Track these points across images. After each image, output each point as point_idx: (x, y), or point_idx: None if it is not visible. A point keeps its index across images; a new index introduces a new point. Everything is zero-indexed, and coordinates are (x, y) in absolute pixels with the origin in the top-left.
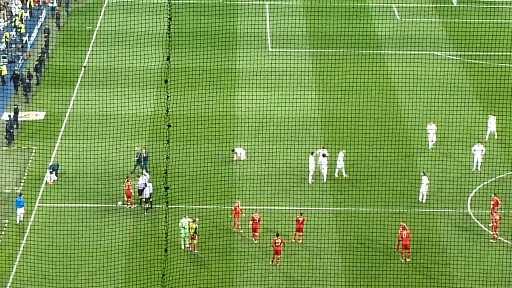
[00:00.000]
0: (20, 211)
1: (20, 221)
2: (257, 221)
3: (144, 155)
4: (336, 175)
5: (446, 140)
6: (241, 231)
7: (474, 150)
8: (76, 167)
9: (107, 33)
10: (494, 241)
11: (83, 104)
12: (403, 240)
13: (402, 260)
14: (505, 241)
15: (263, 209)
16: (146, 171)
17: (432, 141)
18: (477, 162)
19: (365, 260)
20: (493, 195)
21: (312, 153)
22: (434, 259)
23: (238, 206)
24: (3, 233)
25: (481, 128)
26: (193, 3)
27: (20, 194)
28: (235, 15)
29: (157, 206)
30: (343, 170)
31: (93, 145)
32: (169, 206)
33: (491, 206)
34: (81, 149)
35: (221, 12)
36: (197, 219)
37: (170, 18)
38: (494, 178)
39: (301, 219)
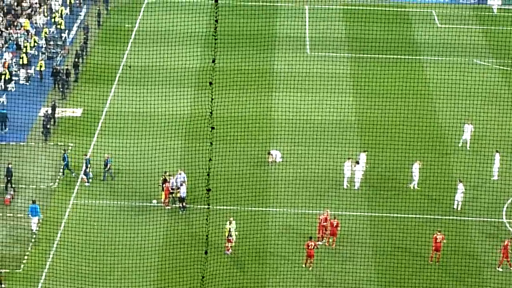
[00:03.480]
0: (35, 220)
1: (36, 229)
2: (335, 226)
3: (106, 162)
4: (411, 186)
5: (483, 148)
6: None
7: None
8: (113, 165)
9: (146, 31)
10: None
11: (120, 102)
12: (436, 243)
13: (431, 262)
14: None
15: (296, 212)
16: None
17: (465, 140)
18: (467, 140)
19: (398, 267)
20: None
21: (349, 158)
22: (467, 267)
23: (328, 216)
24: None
25: None
26: (234, 4)
27: (34, 202)
28: (275, 17)
29: (192, 206)
30: (416, 183)
31: (130, 143)
32: (206, 207)
33: (502, 248)
34: (118, 147)
35: (261, 14)
36: (233, 220)
37: (216, 20)
38: None
39: (335, 223)
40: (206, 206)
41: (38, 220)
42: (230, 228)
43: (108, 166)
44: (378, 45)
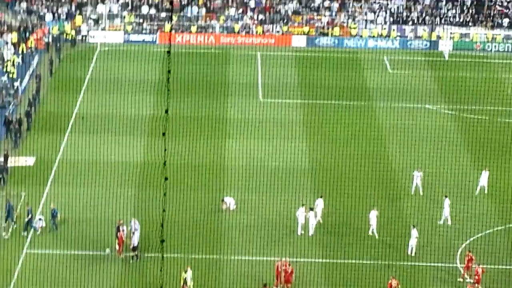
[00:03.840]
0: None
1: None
2: (289, 273)
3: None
4: (370, 233)
5: (435, 193)
6: None
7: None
8: (65, 214)
9: (98, 80)
10: None
11: (73, 150)
12: None
13: None
14: None
15: (251, 259)
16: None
17: (417, 186)
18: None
19: None
20: (467, 251)
21: (303, 204)
22: None
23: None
24: None
25: (472, 181)
26: (185, 52)
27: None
28: (228, 65)
29: (146, 255)
30: (374, 229)
31: (83, 191)
32: (157, 254)
33: (466, 262)
34: (71, 196)
35: (213, 61)
36: (189, 269)
37: (169, 71)
38: (483, 233)
39: (289, 269)
40: (160, 256)
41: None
42: (185, 277)
43: (56, 216)
44: (330, 91)
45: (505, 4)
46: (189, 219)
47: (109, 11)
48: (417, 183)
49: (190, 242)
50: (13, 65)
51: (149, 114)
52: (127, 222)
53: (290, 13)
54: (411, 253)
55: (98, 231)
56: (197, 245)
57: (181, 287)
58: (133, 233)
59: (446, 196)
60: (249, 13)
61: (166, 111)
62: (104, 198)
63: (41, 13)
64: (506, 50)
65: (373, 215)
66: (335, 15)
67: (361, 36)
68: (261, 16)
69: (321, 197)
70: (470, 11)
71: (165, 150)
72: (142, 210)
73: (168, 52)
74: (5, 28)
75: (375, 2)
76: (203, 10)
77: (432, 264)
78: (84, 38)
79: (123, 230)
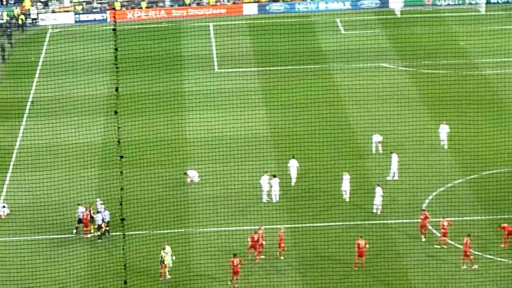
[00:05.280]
0: None
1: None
2: (256, 240)
3: None
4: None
5: (398, 151)
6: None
7: (440, 129)
8: (28, 199)
9: (51, 63)
10: (439, 247)
11: (32, 135)
12: (359, 249)
13: (355, 268)
14: (457, 245)
15: (218, 230)
16: None
17: (377, 145)
18: (444, 140)
19: (324, 275)
20: (421, 210)
21: (266, 171)
22: (392, 270)
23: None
24: None
25: (432, 136)
26: (137, 28)
27: None
28: (180, 38)
29: (114, 234)
30: (347, 194)
31: (45, 176)
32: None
33: (421, 220)
34: (33, 181)
35: (165, 36)
36: (167, 246)
37: (116, 49)
38: (446, 186)
39: (256, 237)
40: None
41: None
42: (163, 254)
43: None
44: (285, 57)
45: None
46: (153, 195)
47: None
48: (376, 142)
49: (157, 217)
50: None
51: (105, 93)
52: (90, 204)
53: None
54: (377, 211)
55: (63, 214)
56: (164, 220)
57: (160, 265)
58: (98, 212)
59: (392, 152)
60: None
61: (117, 89)
62: (67, 180)
63: None
64: (456, 3)
65: (346, 179)
66: None
67: (312, 0)
68: None
69: (293, 157)
70: None
71: (118, 128)
72: (107, 190)
73: (114, 29)
74: None
75: None
76: None
77: (398, 221)
78: (34, 21)
79: (88, 211)
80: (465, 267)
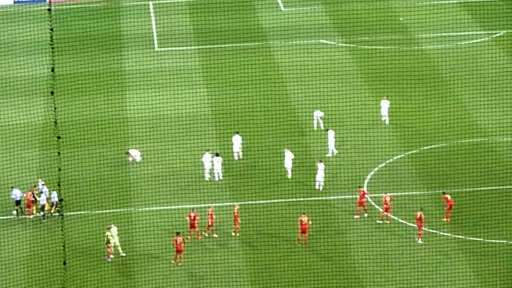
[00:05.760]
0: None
1: None
2: (192, 218)
3: None
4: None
5: (338, 127)
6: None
7: (381, 105)
8: None
9: None
10: (381, 222)
11: None
12: (302, 226)
13: (298, 244)
14: (400, 220)
15: (161, 209)
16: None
17: (318, 121)
18: (385, 116)
19: (267, 253)
20: (359, 188)
21: (207, 150)
22: (334, 246)
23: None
24: None
25: (373, 112)
26: (75, 8)
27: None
28: (119, 17)
29: (59, 214)
30: (290, 170)
31: None
32: (67, 213)
33: (358, 198)
34: None
35: (104, 15)
36: (112, 226)
37: (51, 29)
38: (386, 162)
39: (192, 215)
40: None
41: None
42: (108, 234)
43: None
44: (225, 35)
45: None
46: (94, 175)
47: None
48: (318, 118)
49: (98, 197)
50: None
51: (45, 74)
52: (34, 185)
53: None
54: (319, 187)
55: (2, 195)
56: (106, 200)
57: (106, 245)
58: (41, 193)
59: (327, 129)
60: None
61: (53, 70)
62: (7, 162)
63: None
64: None
65: (288, 156)
66: None
67: None
68: None
69: (237, 133)
70: None
71: (55, 108)
72: (47, 171)
73: (49, 9)
74: None
75: None
76: None
77: (340, 197)
78: None
79: (32, 192)
80: (421, 242)
